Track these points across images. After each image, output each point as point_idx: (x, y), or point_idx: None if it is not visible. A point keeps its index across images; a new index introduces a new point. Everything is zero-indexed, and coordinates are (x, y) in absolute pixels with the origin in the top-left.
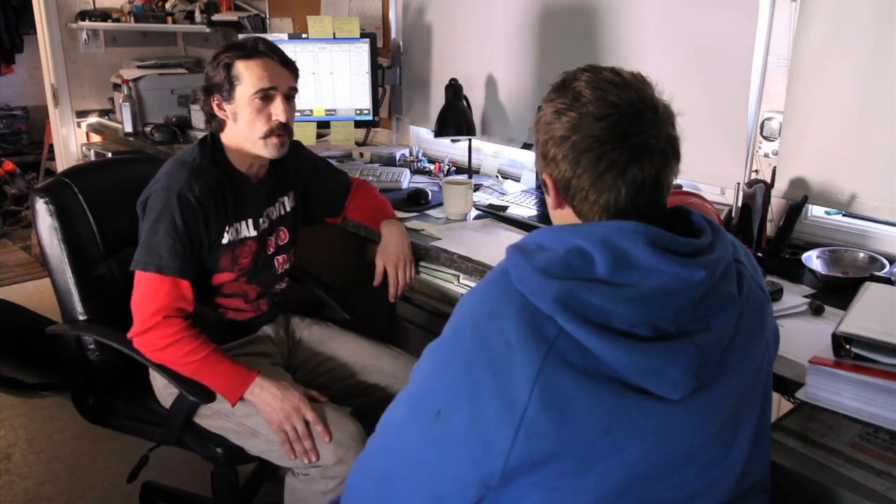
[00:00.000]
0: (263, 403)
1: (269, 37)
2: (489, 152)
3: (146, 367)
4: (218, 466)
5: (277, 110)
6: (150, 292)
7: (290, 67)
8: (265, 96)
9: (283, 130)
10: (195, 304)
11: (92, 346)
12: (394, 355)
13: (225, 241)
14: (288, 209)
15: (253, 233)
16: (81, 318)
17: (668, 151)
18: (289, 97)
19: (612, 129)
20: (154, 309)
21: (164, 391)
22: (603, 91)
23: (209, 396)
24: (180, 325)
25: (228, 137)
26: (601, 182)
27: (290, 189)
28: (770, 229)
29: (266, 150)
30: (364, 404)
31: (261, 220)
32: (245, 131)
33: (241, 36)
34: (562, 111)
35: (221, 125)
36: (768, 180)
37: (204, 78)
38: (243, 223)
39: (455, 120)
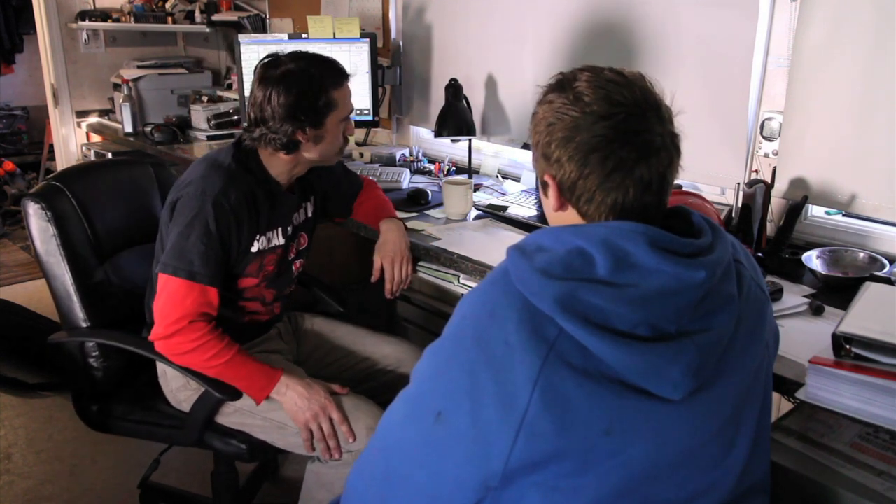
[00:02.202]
0: (290, 402)
1: (269, 37)
2: (489, 152)
3: (153, 370)
4: (236, 463)
5: (351, 129)
6: (176, 297)
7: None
8: (347, 117)
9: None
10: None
11: (96, 354)
12: (394, 342)
13: (255, 249)
14: (309, 214)
15: (282, 241)
16: (84, 324)
17: (671, 149)
18: None
19: (619, 128)
20: (180, 314)
21: (180, 393)
22: (606, 90)
23: (236, 394)
24: (204, 328)
25: (288, 156)
26: (609, 182)
27: (311, 195)
28: (770, 229)
29: (333, 161)
30: (374, 388)
31: (289, 227)
32: (323, 151)
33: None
34: (564, 111)
35: (293, 146)
36: (768, 180)
37: (283, 106)
38: (275, 232)
39: (455, 120)
